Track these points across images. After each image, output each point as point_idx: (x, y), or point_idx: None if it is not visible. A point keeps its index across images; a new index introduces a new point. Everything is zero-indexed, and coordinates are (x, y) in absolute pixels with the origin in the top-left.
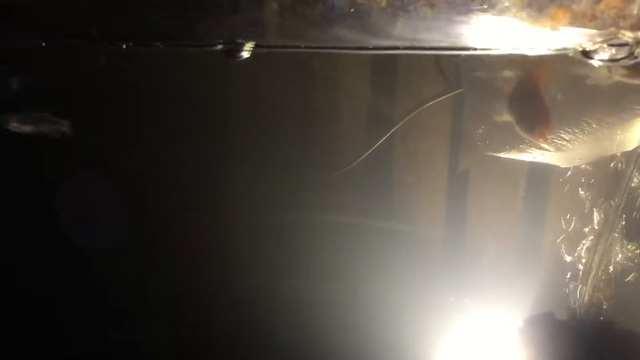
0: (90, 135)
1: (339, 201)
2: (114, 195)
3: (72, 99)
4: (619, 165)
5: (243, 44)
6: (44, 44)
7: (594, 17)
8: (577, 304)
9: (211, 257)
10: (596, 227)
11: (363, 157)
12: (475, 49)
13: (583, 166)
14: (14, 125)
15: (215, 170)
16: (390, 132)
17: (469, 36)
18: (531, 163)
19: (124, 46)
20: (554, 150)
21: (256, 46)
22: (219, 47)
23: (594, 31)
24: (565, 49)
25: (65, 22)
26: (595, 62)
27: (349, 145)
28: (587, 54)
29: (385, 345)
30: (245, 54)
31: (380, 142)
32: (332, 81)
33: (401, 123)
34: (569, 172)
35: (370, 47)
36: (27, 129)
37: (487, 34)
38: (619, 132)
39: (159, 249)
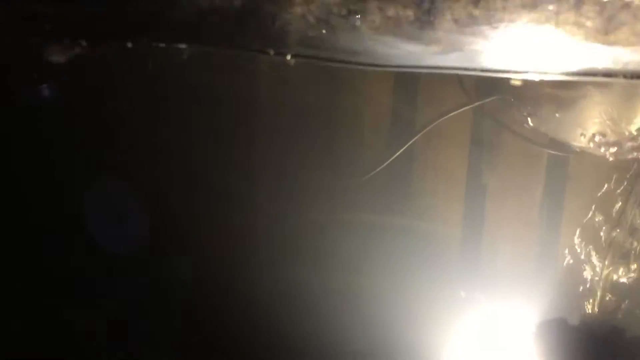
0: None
1: (360, 206)
2: (136, 199)
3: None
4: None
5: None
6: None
7: None
8: (589, 310)
9: (236, 257)
10: (611, 235)
11: (385, 164)
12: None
13: (597, 177)
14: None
15: (240, 173)
16: (411, 141)
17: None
18: (548, 172)
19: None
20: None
21: (293, 56)
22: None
23: None
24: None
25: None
26: None
27: (372, 153)
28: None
29: (402, 338)
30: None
31: (400, 151)
32: (357, 91)
33: (422, 133)
34: (585, 181)
35: (394, 65)
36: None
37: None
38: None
39: (183, 249)
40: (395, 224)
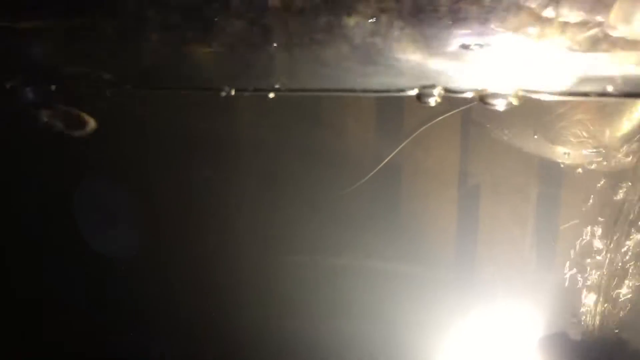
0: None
1: (349, 217)
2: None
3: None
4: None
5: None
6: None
7: None
8: (590, 324)
9: (222, 286)
10: (610, 246)
11: (372, 173)
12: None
13: (597, 185)
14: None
15: (225, 188)
16: (400, 147)
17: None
18: (542, 176)
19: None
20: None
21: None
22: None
23: None
24: None
25: None
26: None
27: (358, 161)
28: None
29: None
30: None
31: (389, 157)
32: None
33: (410, 138)
34: (581, 187)
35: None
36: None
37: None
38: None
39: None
40: (385, 235)
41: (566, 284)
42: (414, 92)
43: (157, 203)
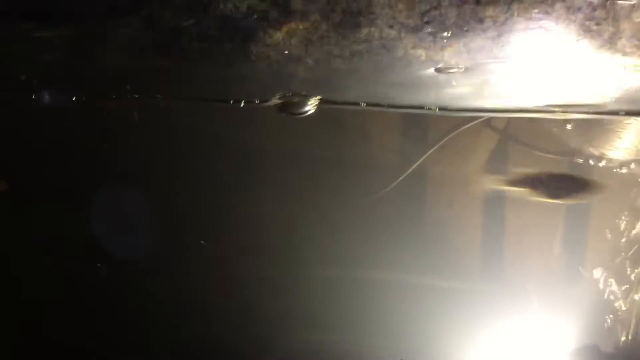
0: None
1: (372, 224)
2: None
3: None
4: None
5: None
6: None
7: None
8: (623, 337)
9: (248, 282)
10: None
11: (398, 181)
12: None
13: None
14: None
15: (249, 195)
16: (425, 155)
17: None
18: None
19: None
20: None
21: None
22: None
23: None
24: None
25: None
26: None
27: (384, 169)
28: None
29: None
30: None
31: (414, 166)
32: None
33: (436, 147)
34: (612, 194)
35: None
36: None
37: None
38: None
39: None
40: (409, 245)
41: (597, 294)
42: None
43: (175, 211)
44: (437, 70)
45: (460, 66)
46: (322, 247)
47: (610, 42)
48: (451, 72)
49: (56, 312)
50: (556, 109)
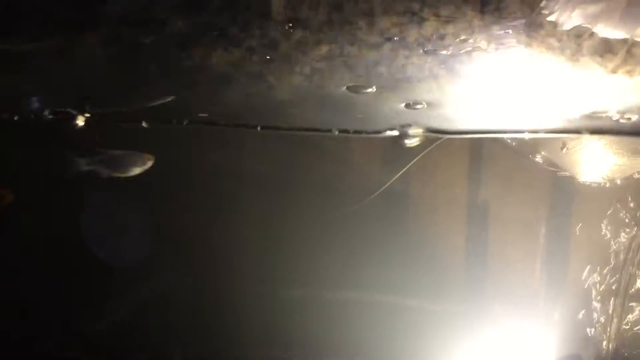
0: None
1: (356, 232)
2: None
3: None
4: None
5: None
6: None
7: None
8: (605, 346)
9: (228, 297)
10: (623, 270)
11: (382, 189)
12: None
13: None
14: None
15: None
16: (411, 163)
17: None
18: (554, 190)
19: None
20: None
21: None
22: None
23: None
24: None
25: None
26: None
27: (367, 177)
28: None
29: None
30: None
31: (399, 174)
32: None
33: (421, 155)
34: (594, 203)
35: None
36: None
37: None
38: None
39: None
40: (394, 251)
41: (580, 304)
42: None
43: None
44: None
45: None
46: (295, 267)
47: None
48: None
49: None
50: (525, 130)
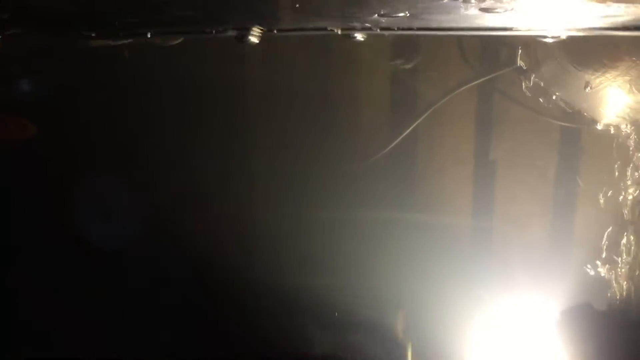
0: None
1: (361, 193)
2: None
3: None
4: None
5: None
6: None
7: None
8: (618, 294)
9: (230, 255)
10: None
11: (388, 149)
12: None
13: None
14: None
15: (230, 162)
16: (416, 122)
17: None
18: (561, 148)
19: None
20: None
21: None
22: (230, 32)
23: None
24: None
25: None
26: None
27: (372, 136)
28: None
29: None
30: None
31: (405, 133)
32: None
33: (427, 113)
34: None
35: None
36: None
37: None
38: None
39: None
40: (400, 212)
41: (589, 259)
42: None
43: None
44: None
45: None
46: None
47: None
48: None
49: None
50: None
